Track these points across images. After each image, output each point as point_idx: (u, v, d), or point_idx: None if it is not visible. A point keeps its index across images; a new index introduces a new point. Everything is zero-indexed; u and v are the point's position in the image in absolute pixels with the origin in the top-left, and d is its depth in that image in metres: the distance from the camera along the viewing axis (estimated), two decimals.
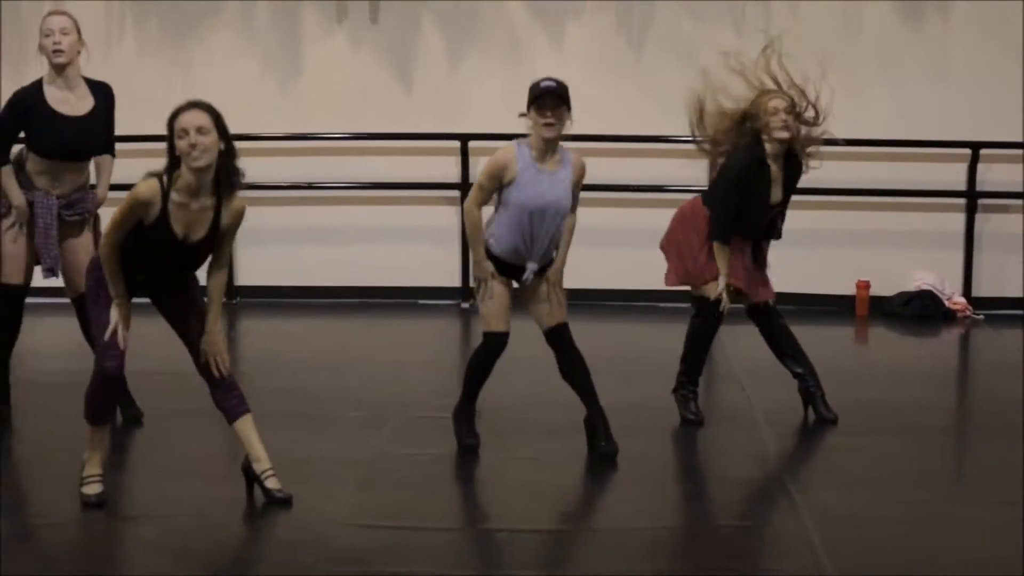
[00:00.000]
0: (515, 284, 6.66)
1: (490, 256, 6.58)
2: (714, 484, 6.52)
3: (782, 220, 7.37)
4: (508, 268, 6.61)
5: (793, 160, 7.25)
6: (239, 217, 5.89)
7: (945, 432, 7.54)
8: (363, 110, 11.28)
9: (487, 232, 6.58)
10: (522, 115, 6.53)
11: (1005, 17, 10.86)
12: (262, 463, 5.93)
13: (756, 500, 6.14)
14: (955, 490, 6.48)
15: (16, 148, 7.05)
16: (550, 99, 6.41)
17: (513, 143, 6.55)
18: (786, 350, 7.42)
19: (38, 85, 7.05)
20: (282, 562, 5.30)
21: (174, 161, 5.63)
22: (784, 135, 7.11)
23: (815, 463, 6.96)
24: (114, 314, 5.71)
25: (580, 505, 6.27)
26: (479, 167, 10.98)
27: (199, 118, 5.59)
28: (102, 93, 7.17)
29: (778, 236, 7.39)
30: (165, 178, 5.63)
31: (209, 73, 11.04)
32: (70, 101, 7.04)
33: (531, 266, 6.58)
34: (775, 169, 7.18)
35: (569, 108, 6.47)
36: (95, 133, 7.08)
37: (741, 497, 6.22)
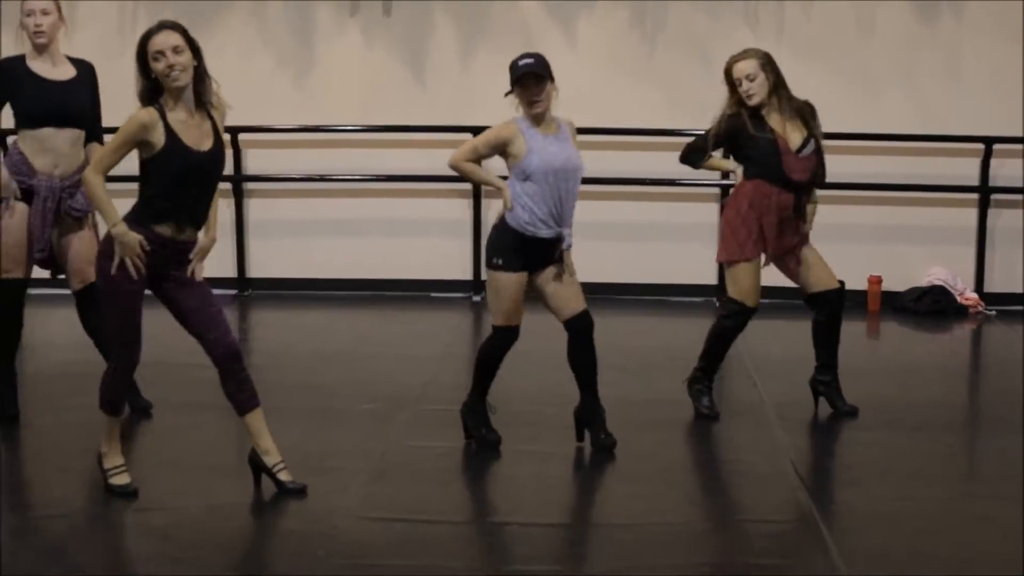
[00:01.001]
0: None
1: (514, 245, 6.52)
2: (725, 479, 6.52)
3: (822, 167, 7.35)
4: (538, 248, 6.58)
5: (801, 105, 7.30)
6: (224, 112, 5.92)
7: (957, 428, 7.53)
8: (376, 103, 11.29)
9: (516, 218, 6.53)
10: (507, 94, 6.55)
11: (1018, 15, 10.84)
12: (272, 456, 5.94)
13: (768, 496, 6.13)
14: (968, 486, 6.47)
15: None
16: (532, 78, 6.44)
17: (512, 119, 6.55)
18: (825, 341, 7.43)
19: (21, 58, 7.11)
20: (294, 554, 5.31)
21: (153, 85, 5.64)
22: (752, 101, 7.16)
23: (827, 459, 6.96)
24: (118, 248, 5.62)
25: (591, 500, 6.27)
26: (492, 160, 11.04)
27: (172, 38, 5.61)
28: (84, 67, 7.21)
29: (821, 183, 7.37)
30: (159, 102, 5.63)
31: (223, 67, 10.89)
32: (52, 72, 7.08)
33: (567, 231, 6.55)
34: (779, 120, 7.20)
35: (552, 79, 6.49)
36: (80, 98, 7.08)
37: (753, 493, 6.22)
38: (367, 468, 6.33)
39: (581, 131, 6.67)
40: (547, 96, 6.49)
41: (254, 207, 11.45)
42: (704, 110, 10.84)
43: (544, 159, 6.45)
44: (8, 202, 6.99)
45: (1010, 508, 5.82)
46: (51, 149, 7.02)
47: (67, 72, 7.13)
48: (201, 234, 5.85)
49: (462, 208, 11.31)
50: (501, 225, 6.59)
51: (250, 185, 11.43)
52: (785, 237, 7.25)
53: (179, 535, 5.46)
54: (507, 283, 6.54)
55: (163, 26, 5.66)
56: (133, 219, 5.69)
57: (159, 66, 5.58)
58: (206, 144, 5.71)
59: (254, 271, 11.35)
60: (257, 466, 5.97)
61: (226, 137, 5.92)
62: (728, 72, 7.24)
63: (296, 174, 11.32)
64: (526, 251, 6.53)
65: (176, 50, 5.59)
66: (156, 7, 11.21)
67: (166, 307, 5.92)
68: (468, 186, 11.17)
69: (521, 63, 6.49)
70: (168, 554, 5.29)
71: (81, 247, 7.12)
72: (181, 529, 5.51)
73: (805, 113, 7.28)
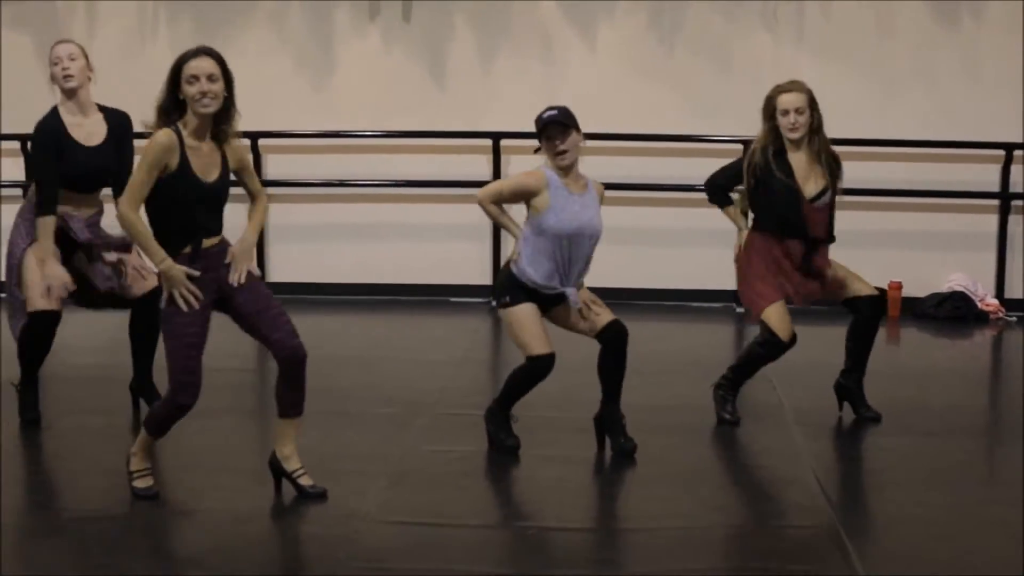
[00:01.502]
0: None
1: (520, 285, 6.56)
2: (745, 484, 6.51)
3: (831, 222, 7.30)
4: (545, 297, 6.60)
5: (830, 154, 7.22)
6: (245, 152, 5.94)
7: (977, 433, 7.50)
8: (395, 108, 11.30)
9: (522, 271, 6.56)
10: (536, 151, 6.59)
11: None
12: (292, 462, 5.95)
13: (787, 500, 6.12)
14: (987, 491, 6.44)
15: None
16: (556, 128, 6.45)
17: (542, 168, 6.55)
18: (857, 345, 7.41)
19: (55, 112, 7.09)
20: (313, 557, 5.32)
21: (176, 105, 5.64)
22: (793, 135, 7.09)
23: (846, 464, 6.94)
24: (166, 285, 5.61)
25: (610, 504, 6.26)
26: (511, 166, 11.06)
27: (210, 66, 5.62)
28: (116, 121, 7.18)
29: (830, 238, 7.32)
30: (177, 124, 5.63)
31: (242, 71, 10.95)
32: (84, 127, 7.07)
33: (571, 291, 6.57)
34: (804, 161, 7.14)
35: (578, 130, 6.50)
36: (108, 163, 7.08)
37: (772, 497, 6.21)
38: (385, 472, 6.33)
39: (596, 136, 6.67)
40: (574, 146, 6.48)
41: (273, 212, 11.42)
42: (722, 112, 10.96)
43: (561, 220, 6.47)
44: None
45: None
46: (73, 203, 7.04)
47: (99, 132, 7.10)
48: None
49: (481, 213, 11.25)
50: (507, 269, 6.66)
51: (269, 190, 11.36)
52: (809, 279, 7.25)
53: (200, 538, 5.47)
54: (520, 314, 6.55)
55: (203, 51, 5.66)
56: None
57: (191, 90, 5.58)
58: (213, 175, 5.70)
59: (273, 276, 11.36)
60: (278, 471, 5.98)
61: (242, 146, 5.92)
62: (771, 100, 7.14)
63: (315, 179, 11.34)
64: (532, 295, 6.58)
65: (211, 78, 5.60)
66: (176, 8, 11.27)
67: (233, 320, 5.90)
68: None
69: (545, 114, 6.51)
70: (190, 557, 5.31)
71: (128, 256, 7.11)
72: (202, 532, 5.52)
73: (832, 163, 7.22)
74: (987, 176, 11.04)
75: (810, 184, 7.15)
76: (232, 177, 5.85)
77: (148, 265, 6.67)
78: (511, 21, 11.30)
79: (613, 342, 6.60)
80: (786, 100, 7.09)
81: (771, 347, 7.22)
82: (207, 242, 5.73)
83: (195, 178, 5.63)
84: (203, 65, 5.61)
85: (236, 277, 5.76)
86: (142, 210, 5.61)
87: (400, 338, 10.00)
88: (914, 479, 6.40)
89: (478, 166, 11.24)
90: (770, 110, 7.15)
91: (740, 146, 10.94)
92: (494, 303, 6.66)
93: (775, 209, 7.13)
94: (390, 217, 11.44)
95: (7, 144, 11.20)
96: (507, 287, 6.62)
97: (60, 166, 6.97)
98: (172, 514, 5.76)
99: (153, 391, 7.30)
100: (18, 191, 11.41)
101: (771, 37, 11.03)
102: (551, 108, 6.54)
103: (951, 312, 10.83)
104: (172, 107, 5.64)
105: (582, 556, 5.44)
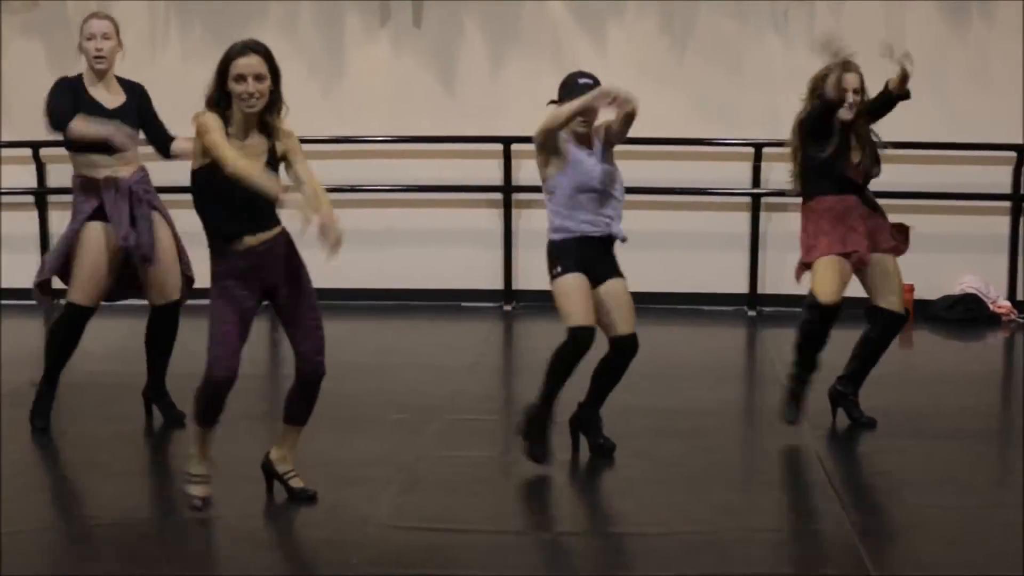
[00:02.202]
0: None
1: (567, 250, 6.49)
2: (756, 488, 6.50)
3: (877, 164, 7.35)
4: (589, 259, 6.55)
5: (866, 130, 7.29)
6: (293, 139, 5.87)
7: (989, 436, 7.49)
8: (406, 113, 11.31)
9: (555, 226, 6.53)
10: (552, 102, 6.57)
11: None
12: (285, 464, 5.96)
13: (799, 504, 6.12)
14: (999, 494, 6.43)
15: None
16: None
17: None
18: (864, 356, 7.37)
19: (79, 79, 7.11)
20: (325, 563, 5.33)
21: (224, 98, 5.59)
22: (847, 116, 7.13)
23: (858, 467, 6.93)
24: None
25: (621, 509, 6.25)
26: (522, 170, 11.07)
27: (257, 63, 5.57)
28: (135, 92, 7.21)
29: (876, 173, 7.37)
30: (222, 112, 5.59)
31: None
32: (104, 92, 7.09)
33: (618, 229, 6.57)
34: (852, 136, 7.19)
35: None
36: (131, 124, 7.05)
37: (783, 501, 6.20)
38: (398, 478, 6.34)
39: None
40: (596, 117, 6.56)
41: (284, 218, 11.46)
42: (732, 116, 10.96)
43: (579, 173, 6.51)
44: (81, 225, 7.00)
45: None
46: (105, 166, 7.00)
47: (118, 97, 7.13)
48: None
49: (492, 218, 11.32)
50: (549, 243, 6.59)
51: None
52: (879, 233, 7.27)
53: (213, 544, 5.48)
54: (567, 284, 6.46)
55: (251, 48, 5.60)
56: (215, 255, 5.69)
57: (238, 88, 5.54)
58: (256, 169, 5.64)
59: None
60: (270, 472, 5.99)
61: (290, 134, 5.88)
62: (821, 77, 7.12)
63: (326, 184, 11.28)
64: (581, 262, 6.51)
65: (258, 77, 5.56)
66: (186, 11, 11.29)
67: (274, 311, 5.90)
68: (499, 196, 11.19)
69: (581, 80, 6.54)
70: (202, 563, 5.32)
71: (165, 260, 7.11)
72: (215, 538, 5.53)
73: (874, 145, 7.31)
74: (999, 178, 11.02)
75: (855, 153, 7.25)
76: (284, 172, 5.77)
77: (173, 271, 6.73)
78: (521, 25, 11.30)
79: (621, 353, 6.58)
80: (852, 80, 7.11)
81: (812, 310, 7.09)
82: (255, 239, 5.71)
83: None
84: (251, 63, 5.56)
85: (331, 241, 5.67)
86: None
87: (411, 343, 10.01)
88: (926, 482, 6.39)
89: (489, 171, 11.25)
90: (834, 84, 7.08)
91: (751, 149, 10.98)
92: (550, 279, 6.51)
93: (832, 166, 7.14)
94: (400, 222, 11.45)
95: (10, 152, 11.25)
96: (554, 257, 6.54)
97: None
98: (185, 520, 5.77)
99: (167, 398, 7.32)
100: (22, 198, 11.47)
101: (781, 40, 11.01)
102: (584, 75, 6.58)
103: (963, 314, 10.81)
104: (221, 99, 5.60)
105: (595, 561, 5.44)
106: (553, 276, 6.53)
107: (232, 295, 5.65)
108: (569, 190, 6.48)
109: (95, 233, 6.99)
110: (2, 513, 5.72)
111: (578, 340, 6.40)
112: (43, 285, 7.13)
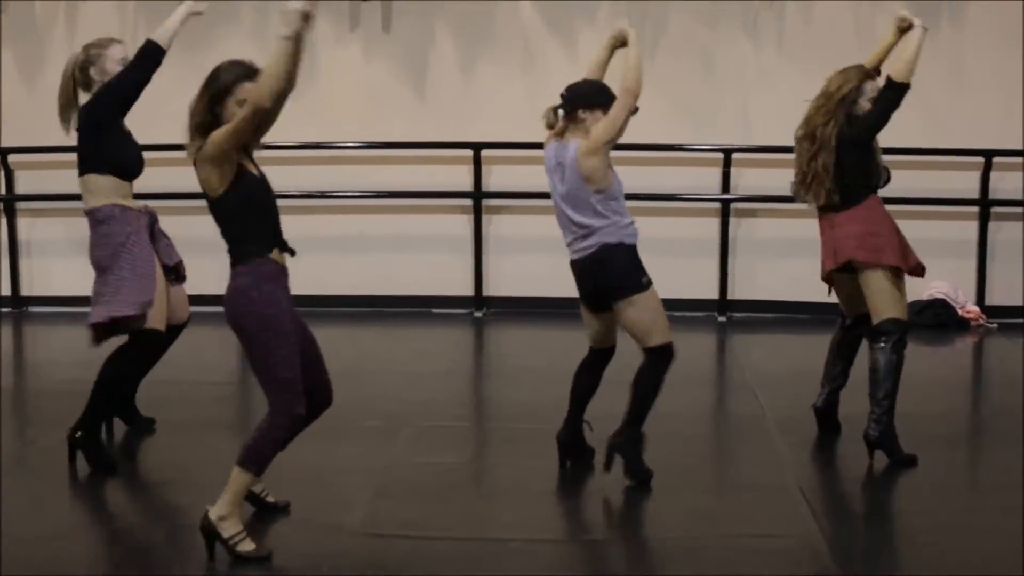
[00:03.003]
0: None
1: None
2: (729, 494, 6.51)
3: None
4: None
5: None
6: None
7: (959, 441, 7.54)
8: (376, 119, 11.29)
9: (629, 231, 6.51)
10: (557, 108, 6.73)
11: (1019, 24, 10.83)
12: (257, 484, 5.80)
13: (771, 510, 6.13)
14: (971, 498, 6.47)
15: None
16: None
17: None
18: (846, 355, 7.38)
19: None
20: (298, 569, 5.32)
21: (214, 121, 5.41)
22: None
23: (830, 472, 6.96)
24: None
25: (596, 515, 6.27)
26: (492, 176, 11.08)
27: None
28: None
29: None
30: None
31: None
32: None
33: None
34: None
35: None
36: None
37: (757, 506, 6.21)
38: (371, 484, 6.34)
39: None
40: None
41: None
42: (703, 120, 10.98)
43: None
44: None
45: (1013, 519, 5.82)
46: (129, 195, 6.83)
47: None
48: None
49: (463, 224, 11.31)
50: (622, 250, 6.48)
51: None
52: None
53: (185, 552, 5.46)
54: (657, 297, 6.45)
55: (257, 71, 5.43)
56: (247, 271, 5.54)
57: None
58: (256, 171, 5.59)
59: None
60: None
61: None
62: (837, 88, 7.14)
63: (296, 190, 11.31)
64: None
65: None
66: (156, 10, 11.23)
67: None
68: (469, 202, 11.19)
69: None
70: (174, 572, 5.30)
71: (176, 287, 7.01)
72: (187, 547, 5.51)
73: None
74: (967, 183, 11.07)
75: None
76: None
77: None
78: (492, 30, 11.30)
79: (604, 362, 6.63)
80: (874, 87, 7.17)
81: (901, 327, 7.03)
82: (282, 256, 5.62)
83: (251, 174, 5.55)
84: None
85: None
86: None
87: (383, 349, 10.00)
88: (896, 487, 6.43)
89: (460, 177, 11.24)
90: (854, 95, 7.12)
91: (720, 155, 11.00)
92: (629, 292, 6.32)
93: (875, 170, 7.16)
94: (371, 228, 11.42)
95: None
96: (637, 263, 6.41)
97: (128, 157, 6.83)
98: (151, 528, 5.75)
99: (135, 412, 7.25)
100: None
101: (752, 43, 11.04)
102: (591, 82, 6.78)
103: (932, 320, 10.85)
104: (210, 125, 5.40)
105: (568, 566, 5.45)
106: (645, 285, 6.38)
107: (284, 330, 5.54)
108: (621, 192, 6.50)
109: (155, 258, 6.80)
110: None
111: (670, 356, 6.41)
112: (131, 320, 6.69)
